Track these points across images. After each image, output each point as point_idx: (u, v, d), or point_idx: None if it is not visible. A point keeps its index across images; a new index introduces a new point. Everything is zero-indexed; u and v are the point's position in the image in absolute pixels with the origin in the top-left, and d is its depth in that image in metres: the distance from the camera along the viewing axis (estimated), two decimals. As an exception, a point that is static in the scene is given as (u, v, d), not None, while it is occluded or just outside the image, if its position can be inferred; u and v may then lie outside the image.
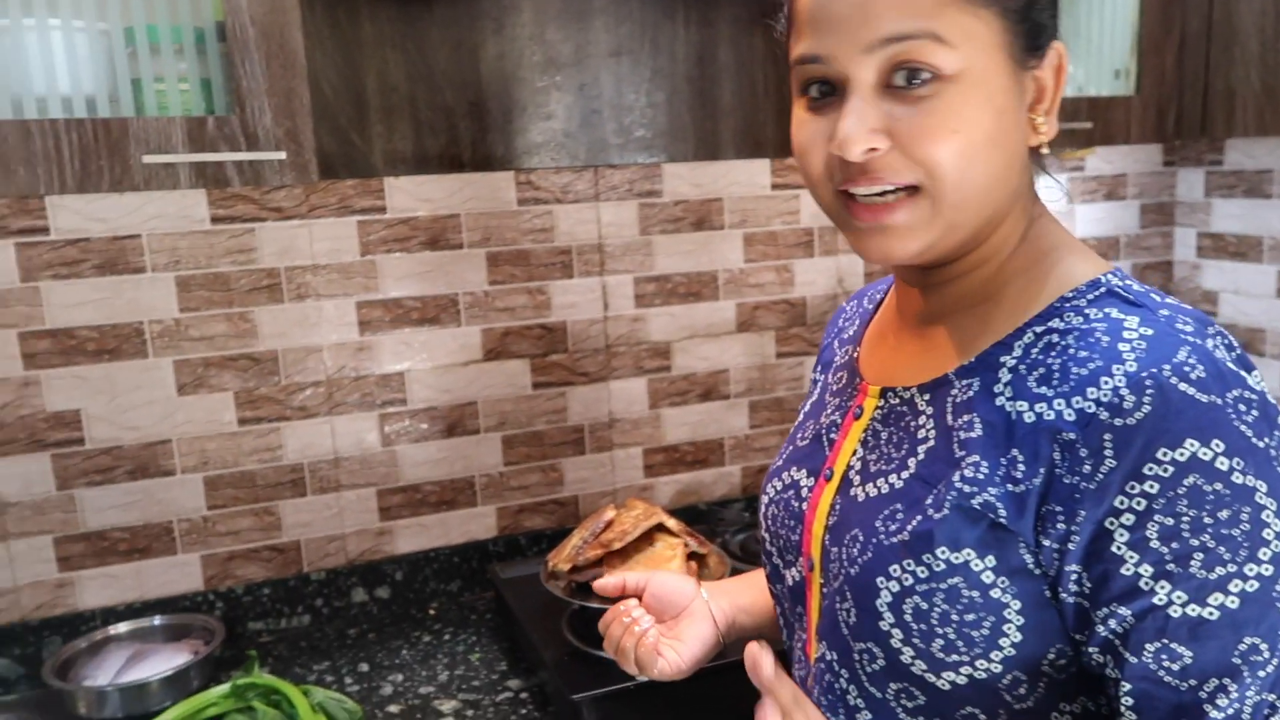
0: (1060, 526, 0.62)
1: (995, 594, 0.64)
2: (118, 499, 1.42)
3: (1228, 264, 1.98)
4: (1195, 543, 0.59)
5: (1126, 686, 0.60)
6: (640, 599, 0.93)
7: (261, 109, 1.09)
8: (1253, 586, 0.59)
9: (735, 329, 1.75)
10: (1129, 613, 0.60)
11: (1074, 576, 0.62)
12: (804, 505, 0.78)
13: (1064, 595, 0.63)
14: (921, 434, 0.71)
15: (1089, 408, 0.61)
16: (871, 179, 0.65)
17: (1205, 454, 0.59)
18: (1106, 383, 0.61)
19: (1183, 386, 0.60)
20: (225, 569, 1.49)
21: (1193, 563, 0.59)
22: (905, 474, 0.70)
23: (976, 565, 0.64)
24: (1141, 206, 2.05)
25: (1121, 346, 0.62)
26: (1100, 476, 0.60)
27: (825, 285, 1.79)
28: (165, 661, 1.34)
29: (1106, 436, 0.60)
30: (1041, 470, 0.63)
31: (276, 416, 1.48)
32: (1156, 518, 0.59)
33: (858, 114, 0.64)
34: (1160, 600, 0.59)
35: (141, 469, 1.42)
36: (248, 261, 1.43)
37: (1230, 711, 0.58)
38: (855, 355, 0.84)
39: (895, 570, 0.67)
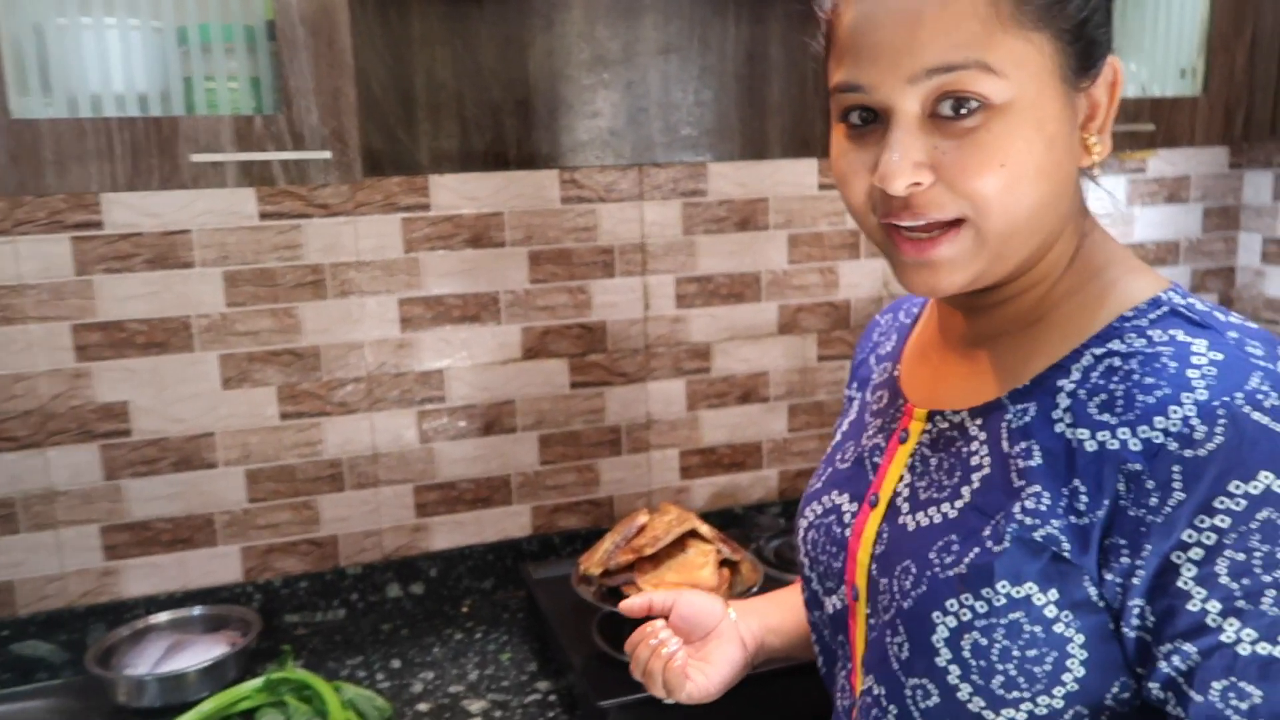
0: (1125, 560, 0.60)
1: (1058, 629, 0.62)
2: (162, 490, 1.44)
3: (1292, 274, 1.91)
4: (1268, 579, 0.56)
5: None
6: (667, 619, 0.91)
7: (308, 108, 1.10)
8: None
9: (777, 331, 1.72)
10: (1195, 650, 0.58)
11: (1137, 611, 0.60)
12: (847, 532, 0.76)
13: (1126, 630, 0.61)
14: (975, 460, 0.68)
15: (1156, 438, 0.59)
16: (915, 213, 0.63)
17: (1278, 487, 0.56)
18: (1175, 412, 0.59)
19: (1256, 416, 0.57)
20: (264, 561, 1.51)
21: (1264, 599, 0.56)
22: (959, 503, 0.68)
23: (1039, 599, 0.62)
24: (1205, 210, 1.98)
25: (1190, 373, 0.60)
26: (1168, 510, 0.58)
27: (870, 288, 1.76)
28: (203, 652, 1.36)
29: (1175, 469, 0.58)
30: (1106, 502, 0.60)
31: (317, 412, 1.49)
32: (1227, 552, 0.57)
33: (902, 147, 0.62)
34: (1229, 638, 0.57)
35: (185, 461, 1.44)
36: (293, 258, 1.44)
37: None
38: (896, 374, 0.82)
39: (952, 605, 0.65)
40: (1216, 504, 0.57)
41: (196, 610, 1.44)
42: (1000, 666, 0.63)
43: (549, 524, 1.65)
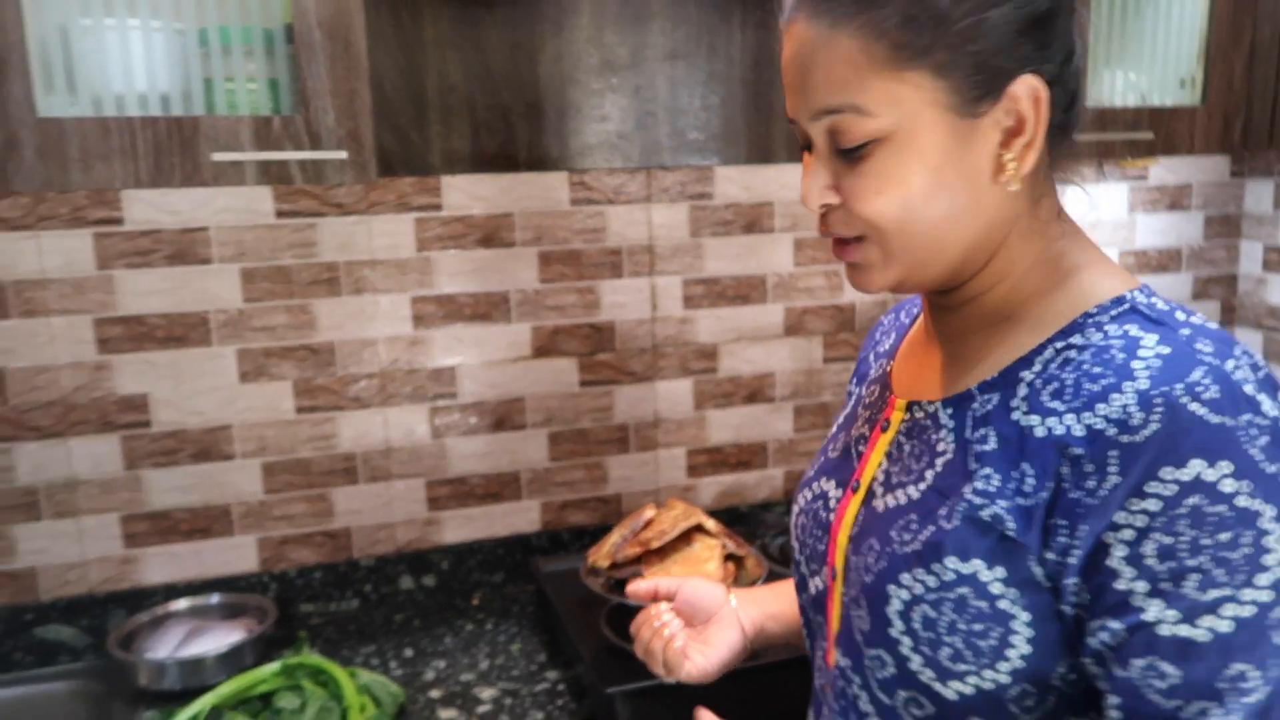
0: (1063, 539, 0.63)
1: (1003, 605, 0.65)
2: (180, 481, 1.48)
3: (1295, 279, 1.93)
4: (1192, 563, 0.59)
5: (1114, 699, 0.61)
6: (672, 603, 0.95)
7: (325, 109, 1.13)
8: (1248, 612, 0.58)
9: (783, 333, 1.75)
10: (1120, 626, 0.61)
11: (1073, 588, 0.63)
12: (831, 516, 0.80)
13: (1065, 608, 0.64)
14: (941, 446, 0.72)
15: (1098, 424, 0.62)
16: (824, 229, 0.72)
17: (1210, 475, 0.59)
18: (1117, 399, 0.62)
19: (1193, 406, 0.60)
20: (280, 552, 1.54)
21: (1187, 582, 0.59)
22: (923, 485, 0.71)
23: (985, 576, 0.65)
24: (1206, 218, 2.00)
25: (1135, 364, 0.63)
26: (1104, 492, 0.61)
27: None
28: (221, 638, 1.40)
29: (1113, 453, 0.61)
30: (1049, 484, 0.64)
31: (332, 406, 1.53)
32: (1155, 535, 0.59)
33: (813, 174, 0.70)
34: (1151, 617, 0.60)
35: (203, 453, 1.48)
36: (309, 255, 1.48)
37: None
38: (888, 369, 0.85)
39: (906, 579, 0.68)
40: (1148, 488, 0.59)
41: (214, 598, 1.48)
42: (948, 639, 0.66)
43: (558, 520, 1.68)
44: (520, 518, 1.66)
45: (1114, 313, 0.67)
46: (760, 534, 1.63)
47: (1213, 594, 0.59)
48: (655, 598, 0.96)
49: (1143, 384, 0.61)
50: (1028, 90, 0.66)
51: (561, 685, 1.33)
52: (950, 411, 0.72)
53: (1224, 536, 0.59)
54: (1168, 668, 0.59)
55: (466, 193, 1.54)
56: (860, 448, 0.81)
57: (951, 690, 0.67)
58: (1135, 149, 1.47)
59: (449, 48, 1.50)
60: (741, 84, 1.66)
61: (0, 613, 1.42)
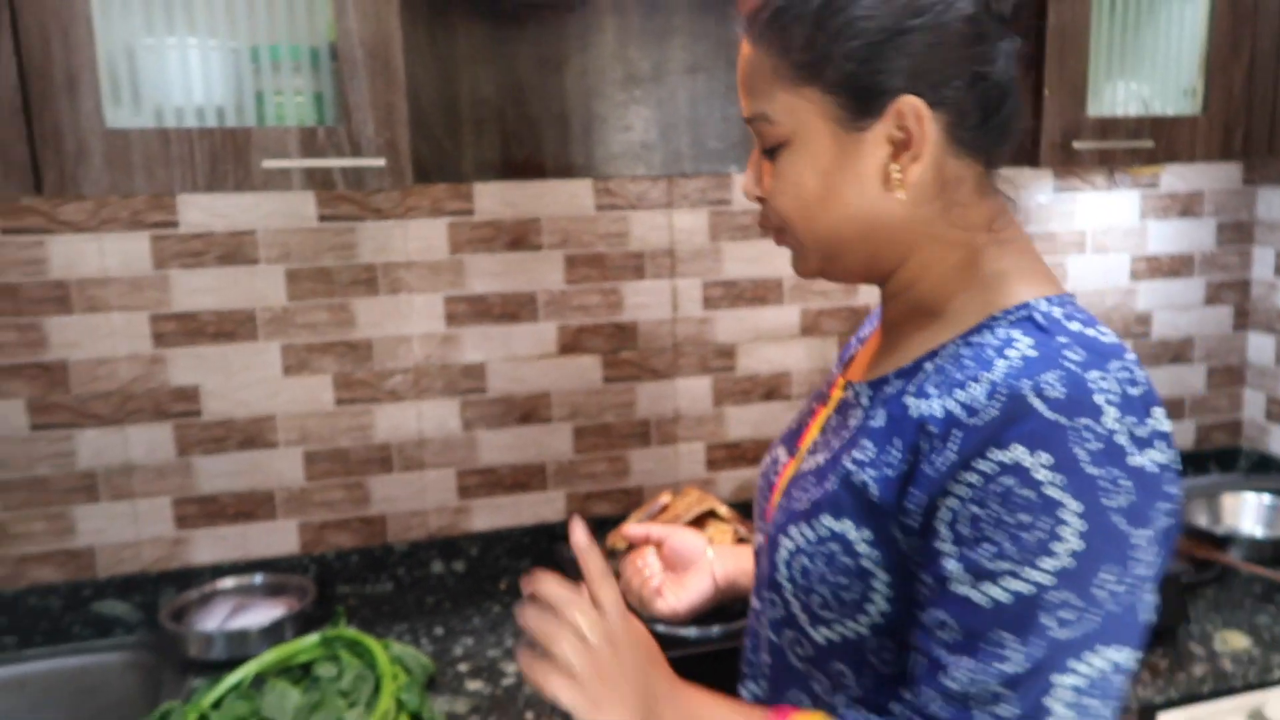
0: (913, 506, 0.71)
1: (866, 564, 0.73)
2: (228, 467, 1.58)
3: (1306, 284, 1.96)
4: (992, 534, 0.66)
5: (917, 634, 0.70)
6: (661, 550, 1.06)
7: (365, 120, 1.23)
8: (1026, 589, 0.65)
9: (799, 333, 1.82)
10: (929, 578, 0.70)
11: (916, 548, 0.71)
12: (775, 478, 0.90)
13: (915, 568, 0.72)
14: (852, 422, 0.80)
15: (952, 407, 0.70)
16: (760, 221, 0.83)
17: (1028, 461, 0.65)
18: (973, 388, 0.69)
19: (1034, 400, 0.66)
20: (319, 536, 1.64)
21: (982, 550, 0.66)
22: (828, 454, 0.80)
23: (852, 536, 0.74)
24: (1218, 224, 2.04)
25: (1000, 362, 0.70)
26: (944, 466, 0.69)
27: (889, 294, 1.85)
28: (264, 614, 1.49)
29: (957, 432, 0.69)
30: (909, 458, 0.72)
31: (369, 399, 1.62)
32: (970, 505, 0.67)
33: (750, 169, 0.82)
34: (947, 573, 0.68)
35: (249, 441, 1.58)
36: (349, 257, 1.58)
37: (957, 679, 0.67)
38: (854, 353, 0.94)
39: (794, 531, 0.78)
40: (975, 465, 0.67)
41: (258, 578, 1.57)
42: (818, 589, 0.76)
43: (582, 510, 1.76)
44: (546, 507, 1.74)
45: (1013, 317, 0.74)
46: (775, 526, 1.70)
47: (1000, 565, 0.66)
48: (646, 541, 1.07)
49: (997, 377, 0.69)
50: (909, 110, 0.73)
51: (581, 662, 1.41)
52: (870, 393, 0.81)
53: (1024, 518, 0.65)
54: (950, 620, 0.68)
55: (497, 198, 1.63)
56: (807, 419, 0.90)
57: (820, 635, 0.77)
58: (1136, 157, 1.53)
59: (481, 62, 1.59)
60: (759, 95, 1.74)
61: (62, 589, 1.52)
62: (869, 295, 1.84)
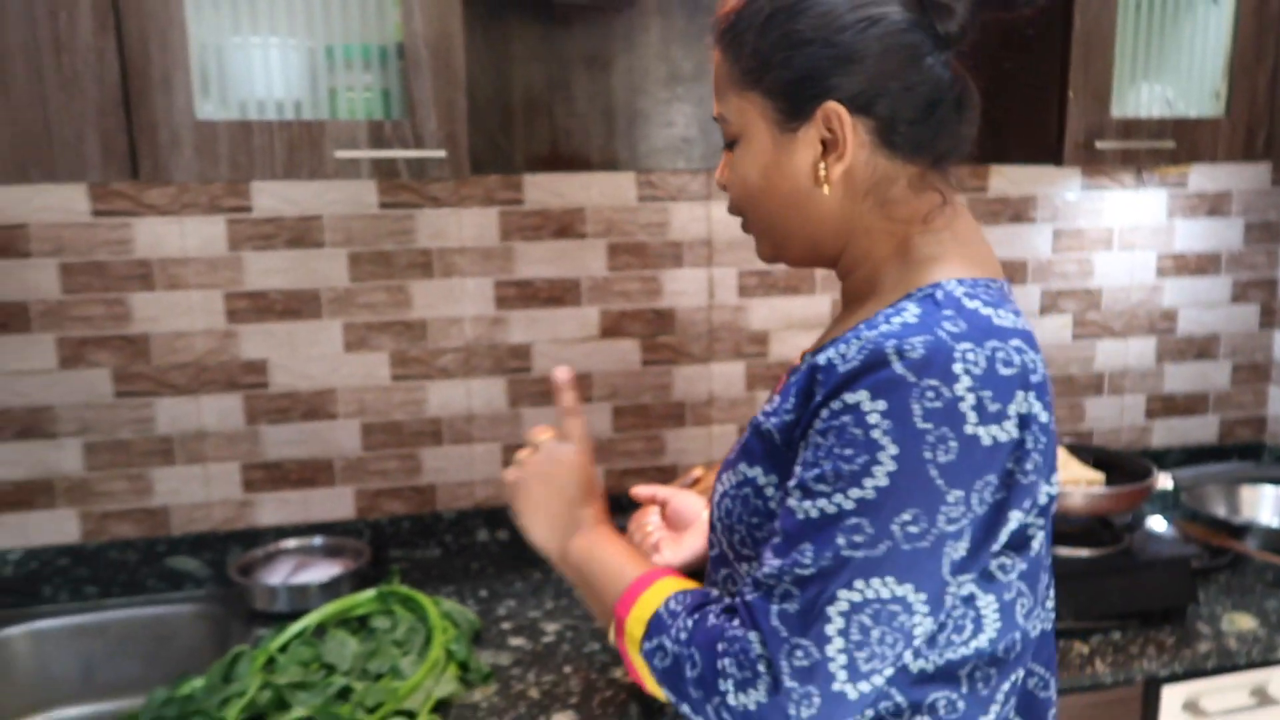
0: (800, 446, 0.81)
1: (773, 505, 0.83)
2: (292, 436, 1.69)
3: (1332, 284, 2.00)
4: (823, 462, 0.77)
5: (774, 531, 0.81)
6: (665, 511, 1.18)
7: (428, 115, 1.33)
8: (830, 510, 0.76)
9: (828, 321, 1.89)
10: (784, 495, 0.81)
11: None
12: None
13: None
14: (786, 386, 0.90)
15: (833, 356, 0.79)
16: (728, 207, 0.95)
17: (866, 405, 0.75)
18: (851, 344, 0.79)
19: (892, 356, 0.76)
20: (373, 503, 1.75)
21: (811, 473, 0.77)
22: (760, 413, 0.90)
23: (761, 480, 0.84)
24: (1246, 224, 2.09)
25: (883, 325, 0.79)
26: (813, 406, 0.79)
27: (918, 286, 1.93)
28: (323, 572, 1.61)
29: (823, 377, 0.79)
30: (803, 402, 0.82)
31: (422, 375, 1.73)
32: (814, 438, 0.78)
33: (721, 161, 0.93)
34: (791, 486, 0.80)
35: (312, 412, 1.70)
36: (407, 242, 1.69)
37: (765, 571, 0.78)
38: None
39: (724, 477, 0.89)
40: (830, 403, 0.77)
41: (317, 540, 1.69)
42: (738, 528, 0.86)
43: (619, 486, 1.85)
44: (585, 482, 1.84)
45: (919, 296, 0.82)
46: (802, 505, 1.78)
47: (819, 487, 0.76)
48: (652, 501, 1.19)
49: (871, 334, 0.78)
50: (833, 114, 0.83)
51: (617, 624, 1.51)
52: (808, 360, 0.90)
53: (848, 451, 0.75)
54: (779, 525, 0.79)
55: (545, 189, 1.73)
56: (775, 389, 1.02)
57: (743, 570, 0.87)
58: (1158, 157, 1.59)
59: (533, 61, 1.69)
60: (796, 94, 1.82)
61: (139, 544, 1.65)
62: (898, 287, 1.91)
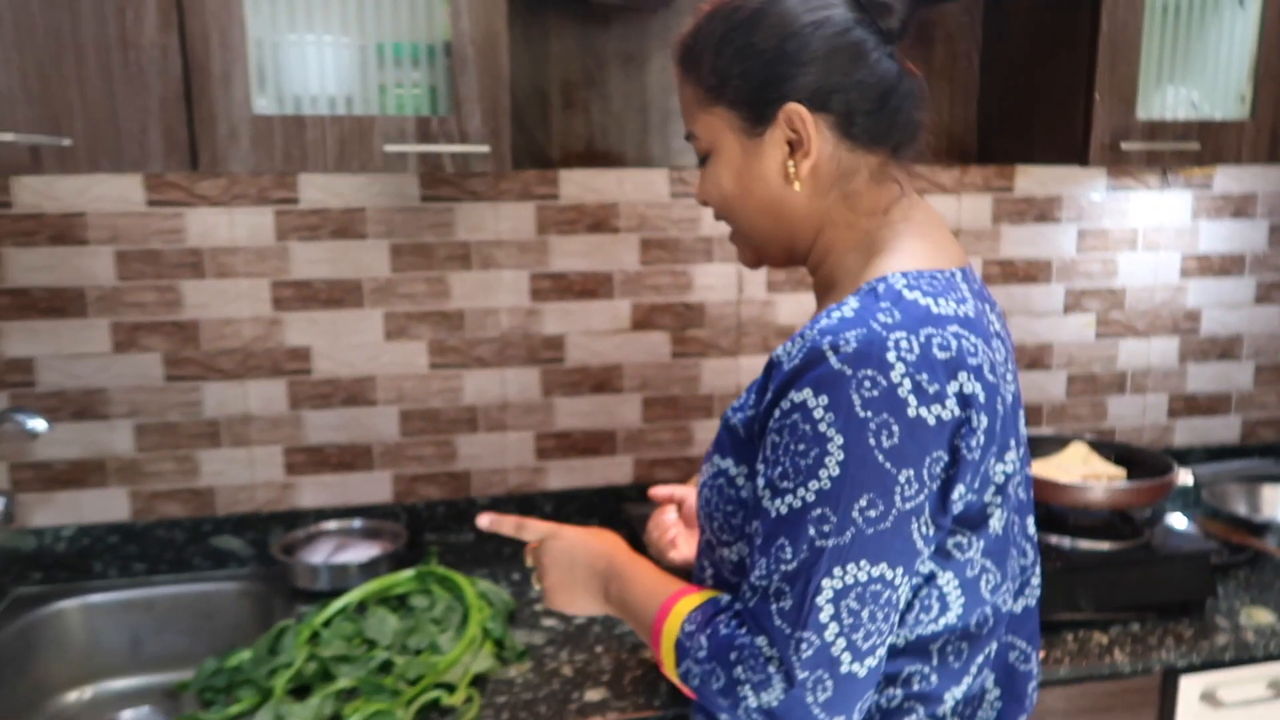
0: (760, 438, 0.86)
1: (744, 494, 0.89)
2: (333, 421, 1.75)
3: (1355, 287, 2.01)
4: (782, 459, 0.82)
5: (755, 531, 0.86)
6: (681, 509, 1.23)
7: (473, 111, 1.38)
8: (796, 504, 0.81)
9: (856, 318, 1.94)
10: (751, 495, 0.86)
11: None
12: None
13: None
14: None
15: (780, 353, 0.84)
16: (714, 215, 1.00)
17: (811, 403, 0.80)
18: (797, 340, 0.84)
19: (827, 352, 0.80)
20: (410, 487, 1.81)
21: (774, 471, 0.82)
22: (731, 407, 0.95)
23: (733, 471, 0.90)
24: (1271, 226, 2.11)
25: (824, 320, 0.83)
26: (766, 403, 0.84)
27: (944, 284, 1.96)
28: (362, 553, 1.67)
29: (775, 374, 0.84)
30: (760, 399, 0.87)
31: (459, 364, 1.78)
32: (771, 436, 0.83)
33: (698, 178, 0.99)
34: (759, 486, 0.84)
35: (352, 399, 1.75)
36: (446, 235, 1.74)
37: (757, 575, 0.83)
38: None
39: (704, 469, 0.94)
40: (780, 403, 0.82)
41: (356, 522, 1.75)
42: (716, 515, 0.92)
43: (648, 475, 1.90)
44: (615, 471, 1.89)
45: (865, 289, 0.87)
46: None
47: (783, 484, 0.81)
48: (670, 500, 1.25)
49: (811, 331, 0.83)
50: (794, 115, 0.89)
51: (646, 607, 1.56)
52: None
53: (800, 447, 0.80)
54: (757, 526, 0.84)
55: (580, 184, 1.78)
56: None
57: (721, 555, 0.93)
58: (1183, 158, 1.62)
59: (571, 59, 1.74)
60: (826, 94, 1.86)
61: (185, 523, 1.72)
62: (924, 284, 1.95)
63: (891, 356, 0.80)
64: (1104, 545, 1.53)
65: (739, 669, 0.83)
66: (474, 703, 1.29)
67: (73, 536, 1.68)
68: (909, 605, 0.86)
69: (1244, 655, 1.45)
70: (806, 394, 0.80)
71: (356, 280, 1.72)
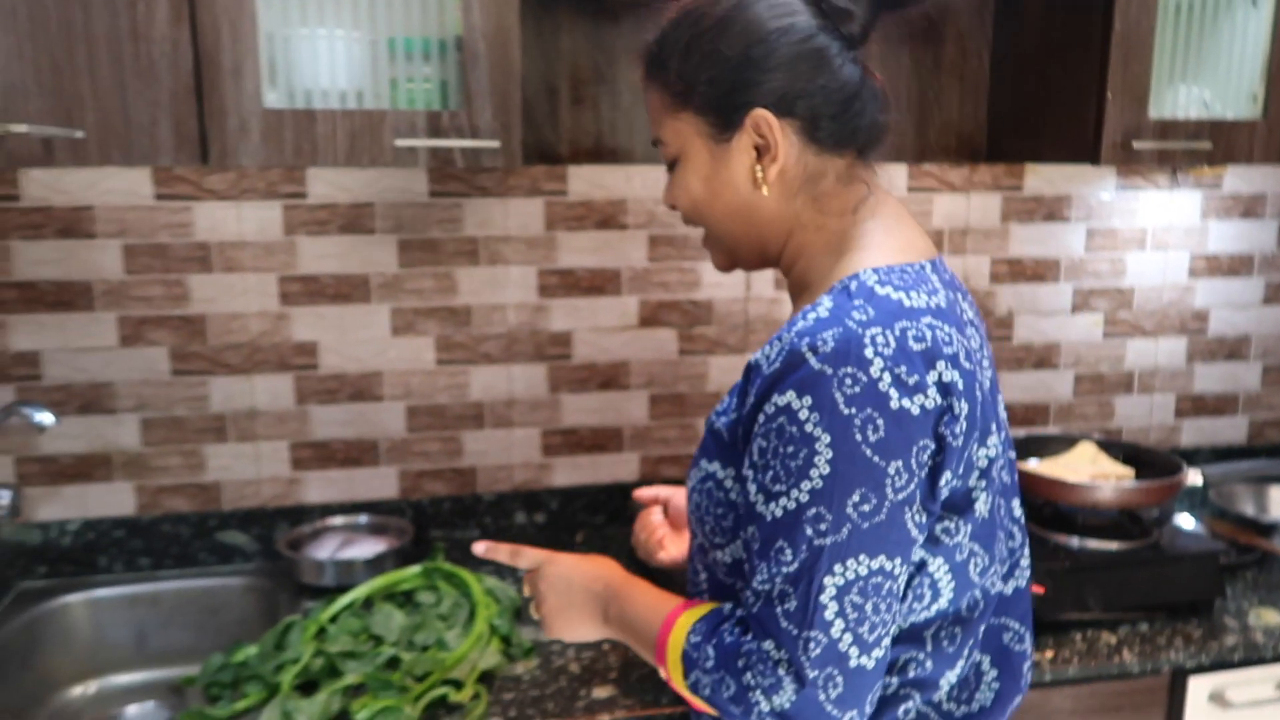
0: (746, 443, 0.86)
1: (732, 496, 0.89)
2: (339, 416, 1.75)
3: (1364, 288, 2.01)
4: (773, 462, 0.82)
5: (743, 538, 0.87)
6: (668, 510, 1.25)
7: (484, 106, 1.37)
8: (791, 506, 0.81)
9: (864, 316, 1.93)
10: (743, 500, 0.86)
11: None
12: None
13: None
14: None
15: (759, 357, 0.85)
16: (683, 219, 1.01)
17: (796, 405, 0.80)
18: (775, 344, 0.84)
19: (807, 354, 0.81)
20: (416, 483, 1.80)
21: (766, 475, 0.83)
22: (714, 411, 0.95)
23: (720, 474, 0.90)
24: None
25: (800, 322, 0.84)
26: (748, 407, 0.85)
27: (952, 283, 1.95)
28: (368, 549, 1.66)
29: (756, 379, 0.84)
30: (741, 402, 0.87)
31: (466, 360, 1.78)
32: (759, 439, 0.83)
33: (666, 183, 1.00)
34: (750, 493, 0.84)
35: (359, 394, 1.75)
36: (454, 230, 1.73)
37: (759, 579, 0.84)
38: None
39: (692, 474, 0.95)
40: (764, 407, 0.82)
41: (362, 518, 1.75)
42: (708, 519, 0.92)
43: (654, 472, 1.90)
44: (621, 468, 1.88)
45: (839, 287, 0.87)
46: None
47: (776, 487, 0.82)
48: (655, 502, 1.26)
49: (789, 335, 0.83)
50: (761, 120, 0.90)
51: (653, 604, 1.55)
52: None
53: (790, 449, 0.81)
54: (754, 531, 0.84)
55: (588, 181, 1.77)
56: None
57: (719, 556, 0.93)
58: (1194, 158, 1.61)
59: (580, 55, 1.74)
60: (836, 91, 1.85)
61: (191, 518, 1.71)
62: (932, 283, 1.94)
63: (869, 353, 0.81)
64: (1112, 545, 1.52)
65: (748, 675, 0.83)
66: (481, 699, 1.28)
67: (78, 530, 1.67)
68: (902, 594, 0.87)
69: (1253, 656, 1.44)
70: (790, 396, 0.81)
71: (364, 275, 1.71)
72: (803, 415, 0.80)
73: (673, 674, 0.92)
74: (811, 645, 0.81)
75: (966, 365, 0.85)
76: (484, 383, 1.80)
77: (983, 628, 0.96)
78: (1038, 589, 1.43)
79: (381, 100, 1.38)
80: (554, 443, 1.85)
